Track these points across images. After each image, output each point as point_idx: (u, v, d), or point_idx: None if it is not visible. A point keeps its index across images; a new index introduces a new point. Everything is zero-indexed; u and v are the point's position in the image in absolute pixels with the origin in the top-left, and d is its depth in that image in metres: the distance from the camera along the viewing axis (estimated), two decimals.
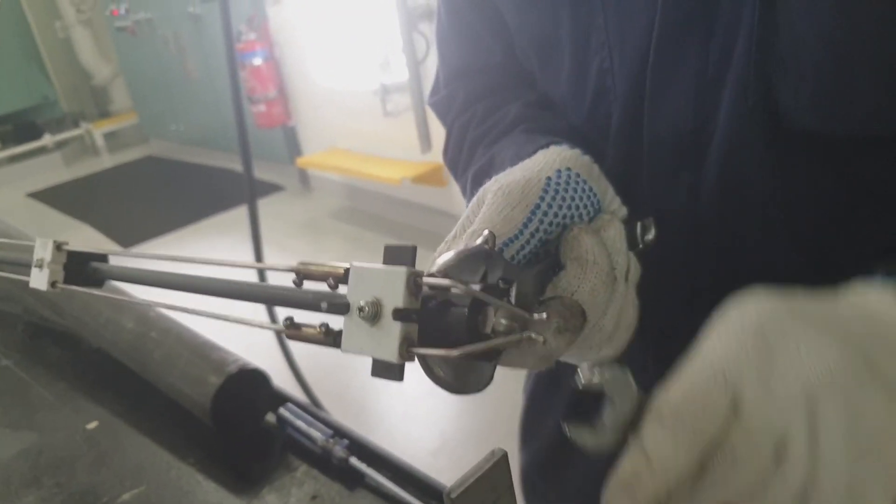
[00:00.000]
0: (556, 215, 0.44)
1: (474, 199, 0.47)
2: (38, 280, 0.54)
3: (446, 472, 0.97)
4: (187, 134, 6.14)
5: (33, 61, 6.86)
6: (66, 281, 0.54)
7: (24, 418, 0.90)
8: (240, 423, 0.81)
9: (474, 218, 0.45)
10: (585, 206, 0.46)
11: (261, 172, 5.00)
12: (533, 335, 0.34)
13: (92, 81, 7.20)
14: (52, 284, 0.53)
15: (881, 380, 0.34)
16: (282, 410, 0.80)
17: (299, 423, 0.78)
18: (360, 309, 0.32)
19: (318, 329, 0.35)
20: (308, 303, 0.37)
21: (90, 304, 0.95)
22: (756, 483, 0.34)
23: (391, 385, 2.83)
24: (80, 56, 6.99)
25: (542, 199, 0.44)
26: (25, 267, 0.56)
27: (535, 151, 0.51)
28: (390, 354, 0.32)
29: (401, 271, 0.32)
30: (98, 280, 0.55)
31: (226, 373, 0.78)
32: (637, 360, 0.44)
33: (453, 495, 0.36)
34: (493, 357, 0.37)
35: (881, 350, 0.35)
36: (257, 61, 4.44)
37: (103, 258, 0.55)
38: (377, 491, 0.71)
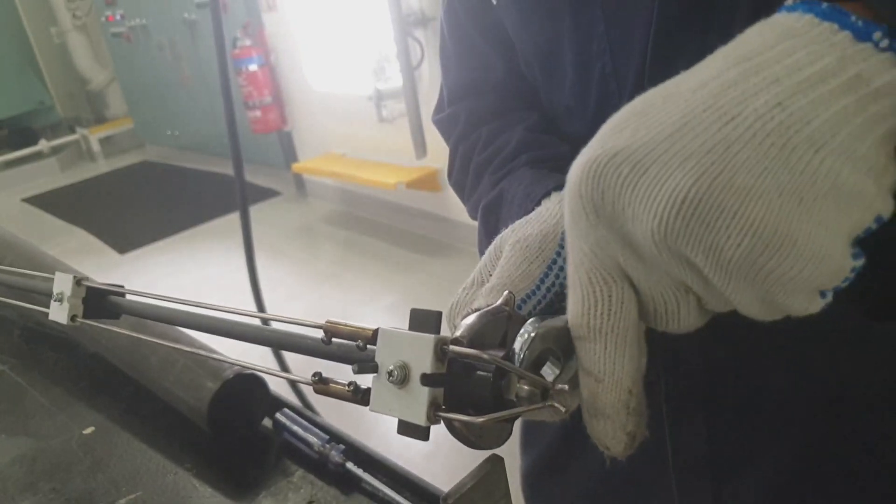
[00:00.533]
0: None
1: (491, 247, 0.48)
2: (58, 314, 0.56)
3: (442, 476, 0.97)
4: (183, 139, 6.14)
5: (29, 67, 6.86)
6: (86, 315, 0.55)
7: (19, 424, 0.90)
8: (236, 428, 0.82)
9: (492, 267, 0.46)
10: None
11: (256, 178, 5.01)
12: (555, 404, 0.35)
13: (88, 87, 7.20)
14: (72, 318, 0.55)
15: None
16: (278, 416, 0.81)
17: (295, 429, 0.78)
18: (390, 373, 0.34)
19: (347, 387, 0.37)
20: (337, 357, 0.39)
21: None
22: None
23: None
24: (76, 62, 6.99)
25: (559, 254, 0.45)
26: (44, 296, 0.57)
27: (545, 193, 0.52)
28: (419, 418, 0.34)
29: (429, 339, 0.34)
30: (116, 314, 0.56)
31: (222, 378, 0.79)
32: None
33: (450, 501, 0.36)
34: (514, 419, 0.38)
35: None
36: (253, 67, 4.45)
37: (121, 293, 0.56)
38: (373, 496, 0.71)
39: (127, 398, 0.92)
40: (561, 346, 0.38)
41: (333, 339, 0.39)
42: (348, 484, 0.73)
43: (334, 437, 0.77)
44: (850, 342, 0.42)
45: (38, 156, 6.76)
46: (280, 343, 0.45)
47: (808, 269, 0.32)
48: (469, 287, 0.47)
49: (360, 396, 0.36)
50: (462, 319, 0.38)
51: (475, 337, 0.36)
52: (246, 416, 0.82)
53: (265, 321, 0.56)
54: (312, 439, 0.76)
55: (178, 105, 5.90)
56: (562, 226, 0.46)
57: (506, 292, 0.40)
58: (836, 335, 0.42)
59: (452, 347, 0.34)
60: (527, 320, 0.40)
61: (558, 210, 0.47)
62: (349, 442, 0.76)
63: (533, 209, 0.52)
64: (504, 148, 0.66)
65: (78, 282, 0.55)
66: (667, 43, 0.51)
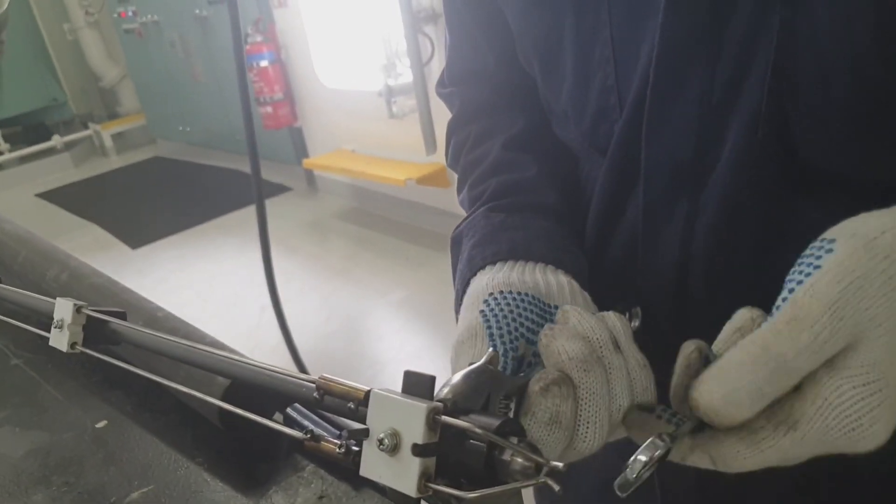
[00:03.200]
0: (510, 334, 0.46)
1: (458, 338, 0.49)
2: (58, 341, 0.55)
3: None
4: (194, 135, 6.16)
5: (43, 63, 6.89)
6: (86, 343, 0.55)
7: (33, 417, 0.90)
8: (247, 423, 0.82)
9: (463, 351, 0.47)
10: (526, 312, 0.47)
11: (267, 173, 5.02)
12: (549, 482, 0.34)
13: (100, 83, 7.23)
14: (72, 346, 0.55)
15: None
16: (289, 410, 0.81)
17: (307, 423, 0.79)
18: (380, 441, 0.34)
19: (338, 449, 0.37)
20: (328, 411, 0.40)
21: (98, 304, 0.96)
22: None
23: (398, 383, 2.81)
24: (89, 58, 7.03)
25: (489, 327, 0.46)
26: (45, 316, 0.57)
27: (481, 266, 0.54)
28: (409, 489, 0.33)
29: (420, 408, 0.33)
30: (116, 341, 0.56)
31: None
32: None
33: (468, 496, 0.36)
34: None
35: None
36: (264, 63, 4.46)
37: (121, 322, 0.56)
38: (384, 491, 0.71)
39: (139, 393, 0.92)
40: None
41: (326, 396, 0.39)
42: (359, 479, 0.73)
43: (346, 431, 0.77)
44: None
45: (51, 151, 6.80)
46: (275, 388, 0.46)
47: None
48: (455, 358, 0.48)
49: (351, 458, 0.36)
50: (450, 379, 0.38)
51: (459, 398, 0.36)
52: (258, 411, 0.82)
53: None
54: (323, 435, 0.76)
55: (189, 101, 5.92)
56: (477, 306, 0.48)
57: (490, 350, 0.40)
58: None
59: (444, 419, 0.33)
60: (509, 380, 0.41)
61: (472, 297, 0.50)
62: (357, 453, 0.76)
63: (471, 276, 0.54)
64: (482, 161, 0.67)
65: (78, 309, 0.55)
66: (670, 67, 0.48)
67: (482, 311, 0.47)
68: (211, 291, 3.81)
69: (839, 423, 0.35)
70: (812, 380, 0.36)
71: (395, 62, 3.62)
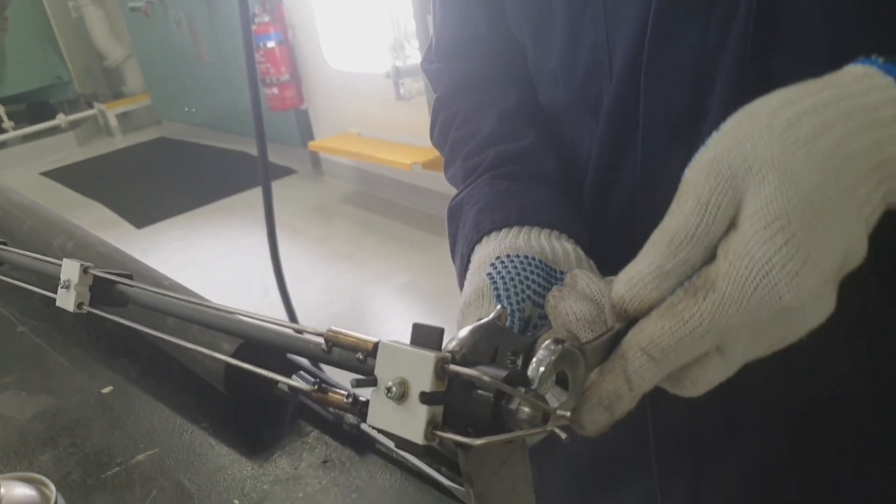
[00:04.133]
0: (518, 296, 0.47)
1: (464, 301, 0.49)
2: (65, 300, 0.55)
3: None
4: (199, 116, 6.15)
5: (47, 41, 6.88)
6: (92, 303, 0.55)
7: (40, 382, 0.91)
8: (252, 389, 0.82)
9: (470, 313, 0.48)
10: (533, 277, 0.48)
11: (273, 155, 4.98)
12: (557, 430, 0.34)
13: (105, 62, 7.22)
14: (79, 306, 0.55)
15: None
16: (294, 377, 0.81)
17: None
18: (388, 389, 0.34)
19: (346, 399, 0.37)
20: (336, 365, 0.40)
21: None
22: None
23: None
24: (94, 37, 7.01)
25: (496, 288, 0.47)
26: (51, 278, 0.57)
27: (487, 231, 0.54)
28: (416, 436, 0.33)
29: (429, 357, 0.33)
30: (122, 302, 0.56)
31: (238, 342, 0.79)
32: None
33: (469, 450, 0.36)
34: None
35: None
36: (271, 44, 4.44)
37: (128, 283, 0.56)
38: (387, 456, 0.72)
39: (144, 359, 0.93)
40: (570, 369, 0.37)
41: (334, 348, 0.39)
42: (363, 445, 0.73)
43: (348, 395, 0.78)
44: (832, 342, 0.41)
45: (55, 130, 6.80)
46: (282, 345, 0.46)
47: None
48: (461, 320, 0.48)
49: (359, 408, 0.36)
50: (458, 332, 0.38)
51: (469, 352, 0.36)
52: (262, 378, 0.83)
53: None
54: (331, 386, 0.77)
55: (195, 82, 5.91)
56: (485, 269, 0.49)
57: (498, 307, 0.41)
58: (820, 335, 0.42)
59: (452, 367, 0.33)
60: (516, 336, 0.41)
61: (479, 261, 0.51)
62: (365, 403, 0.77)
63: (476, 245, 0.55)
64: (477, 133, 0.67)
65: (85, 270, 0.55)
66: (668, 20, 0.50)
67: (489, 274, 0.48)
68: (215, 272, 3.82)
69: (753, 271, 0.34)
70: (721, 245, 0.36)
71: (404, 43, 3.61)
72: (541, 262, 0.49)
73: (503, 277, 0.48)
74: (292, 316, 2.36)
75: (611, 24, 0.54)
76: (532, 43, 0.63)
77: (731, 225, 0.36)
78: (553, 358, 0.36)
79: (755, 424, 0.59)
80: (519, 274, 0.48)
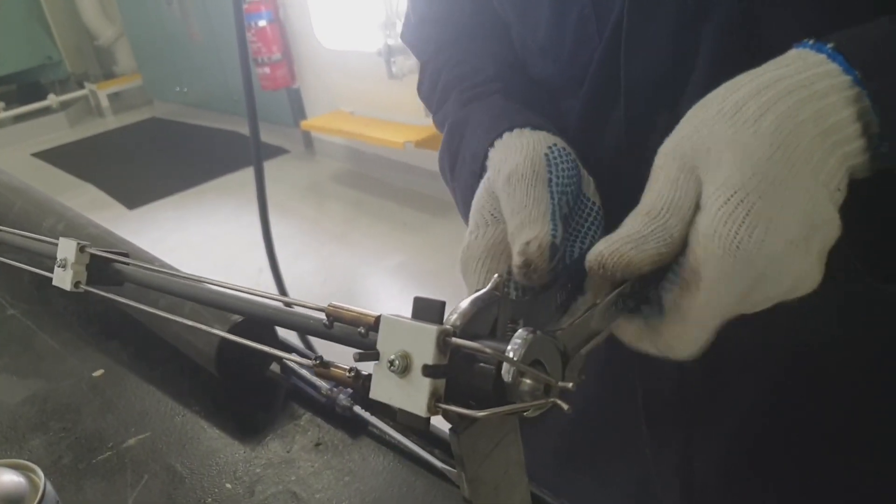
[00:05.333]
0: (565, 186, 0.47)
1: (482, 191, 0.49)
2: (62, 279, 0.55)
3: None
4: (191, 96, 6.11)
5: (37, 21, 6.80)
6: (89, 282, 0.55)
7: (31, 365, 0.91)
8: (244, 372, 0.82)
9: (492, 208, 0.47)
10: (575, 178, 0.48)
11: (265, 135, 4.95)
12: (558, 402, 0.35)
13: (96, 42, 7.15)
14: (76, 285, 0.55)
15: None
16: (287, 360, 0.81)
17: (304, 372, 0.79)
18: (391, 362, 0.34)
19: (348, 373, 0.37)
20: (338, 340, 0.40)
21: None
22: None
23: None
24: (84, 16, 6.93)
25: (551, 172, 0.46)
26: (44, 258, 0.57)
27: (509, 127, 0.52)
28: (419, 409, 0.33)
29: (431, 330, 0.33)
30: (119, 281, 0.56)
31: (231, 322, 0.79)
32: None
33: (459, 431, 0.36)
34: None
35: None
36: (262, 23, 4.40)
37: (125, 261, 0.56)
38: (380, 439, 0.71)
39: (136, 342, 0.92)
40: (547, 359, 0.37)
41: (335, 323, 0.39)
42: (355, 427, 0.73)
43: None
44: (815, 307, 0.43)
45: (46, 111, 6.74)
46: (282, 321, 0.46)
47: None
48: (475, 229, 0.47)
49: (361, 382, 0.36)
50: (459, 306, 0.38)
51: (469, 324, 0.36)
52: (254, 361, 0.83)
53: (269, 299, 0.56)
54: (320, 383, 0.76)
55: (186, 61, 5.86)
56: (541, 149, 0.48)
57: (495, 276, 0.40)
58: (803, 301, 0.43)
59: (455, 340, 0.34)
60: (513, 303, 0.41)
61: (530, 139, 0.49)
62: (367, 378, 0.77)
63: (496, 138, 0.52)
64: (476, 73, 0.65)
65: (81, 248, 0.55)
66: None
67: (546, 155, 0.48)
68: (208, 253, 3.80)
69: (726, 249, 0.37)
70: (692, 231, 0.39)
71: (395, 20, 3.58)
72: (578, 166, 0.49)
73: (558, 164, 0.47)
74: (285, 296, 2.35)
75: None
76: (518, 18, 0.63)
77: (697, 207, 0.39)
78: (522, 351, 0.35)
79: (741, 386, 0.59)
80: (567, 165, 0.48)
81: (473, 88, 0.63)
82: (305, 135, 4.93)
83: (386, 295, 3.24)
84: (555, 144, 0.49)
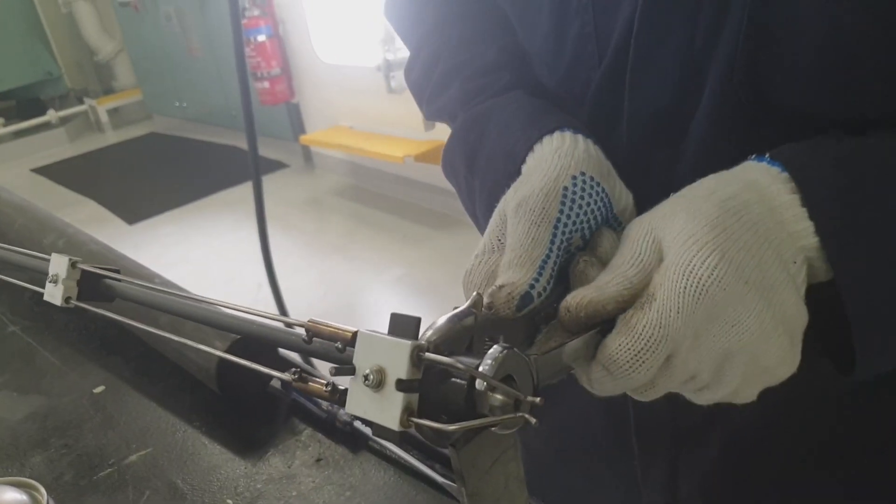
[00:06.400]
0: (574, 224, 0.46)
1: (496, 212, 0.48)
2: (53, 295, 0.55)
3: None
4: (191, 111, 6.12)
5: (37, 37, 6.83)
6: (80, 297, 0.55)
7: (31, 382, 0.91)
8: (245, 387, 0.82)
9: (500, 233, 0.47)
10: (599, 209, 0.47)
11: (264, 149, 4.99)
12: (526, 416, 0.35)
13: (96, 58, 7.17)
14: (67, 300, 0.55)
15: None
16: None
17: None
18: (366, 377, 0.34)
19: (325, 387, 0.38)
20: (317, 355, 0.41)
21: None
22: None
23: None
24: (84, 32, 6.96)
25: (562, 211, 0.45)
26: (40, 274, 0.57)
27: (539, 137, 0.51)
28: (392, 422, 0.34)
29: (405, 345, 0.34)
30: (110, 297, 0.56)
31: (231, 338, 0.79)
32: None
33: (458, 446, 0.37)
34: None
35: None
36: (261, 38, 4.42)
37: (116, 277, 0.56)
38: (380, 453, 0.72)
39: (136, 358, 0.93)
40: (520, 377, 0.37)
41: (315, 339, 0.40)
42: (356, 442, 0.73)
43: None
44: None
45: (46, 126, 6.75)
46: (265, 337, 0.46)
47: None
48: (481, 254, 0.47)
49: (338, 397, 0.37)
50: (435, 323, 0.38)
51: (443, 342, 0.37)
52: (255, 376, 0.83)
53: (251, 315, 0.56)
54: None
55: (186, 76, 5.88)
56: (562, 180, 0.46)
57: (474, 293, 0.41)
58: None
59: (428, 355, 0.34)
60: (493, 320, 0.41)
61: (557, 163, 0.48)
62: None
63: (536, 142, 0.51)
64: (477, 59, 0.63)
65: (73, 264, 0.55)
66: (655, 15, 0.49)
67: (566, 188, 0.46)
68: (208, 267, 3.81)
69: (679, 274, 0.39)
70: (655, 272, 0.41)
71: (394, 36, 3.60)
72: (607, 196, 0.48)
73: (575, 200, 0.46)
74: (283, 311, 2.35)
75: (599, 13, 0.52)
76: (516, 19, 0.61)
77: (659, 261, 0.42)
78: (494, 367, 0.36)
79: (729, 409, 0.59)
80: (588, 200, 0.47)
81: (479, 78, 0.62)
82: (305, 149, 4.94)
83: (386, 308, 3.24)
84: (582, 173, 0.47)
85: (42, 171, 6.00)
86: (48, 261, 0.57)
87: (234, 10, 1.90)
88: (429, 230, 3.75)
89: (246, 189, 4.31)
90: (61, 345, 0.98)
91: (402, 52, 3.56)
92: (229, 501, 0.68)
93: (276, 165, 5.07)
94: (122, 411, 0.83)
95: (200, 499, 0.69)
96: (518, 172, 0.51)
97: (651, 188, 0.52)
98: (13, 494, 0.55)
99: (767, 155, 0.44)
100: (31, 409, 0.85)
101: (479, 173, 0.58)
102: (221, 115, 5.59)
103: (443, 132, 3.60)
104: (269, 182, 4.70)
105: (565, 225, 0.45)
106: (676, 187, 0.51)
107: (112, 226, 4.55)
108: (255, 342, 0.81)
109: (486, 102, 0.60)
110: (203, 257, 3.94)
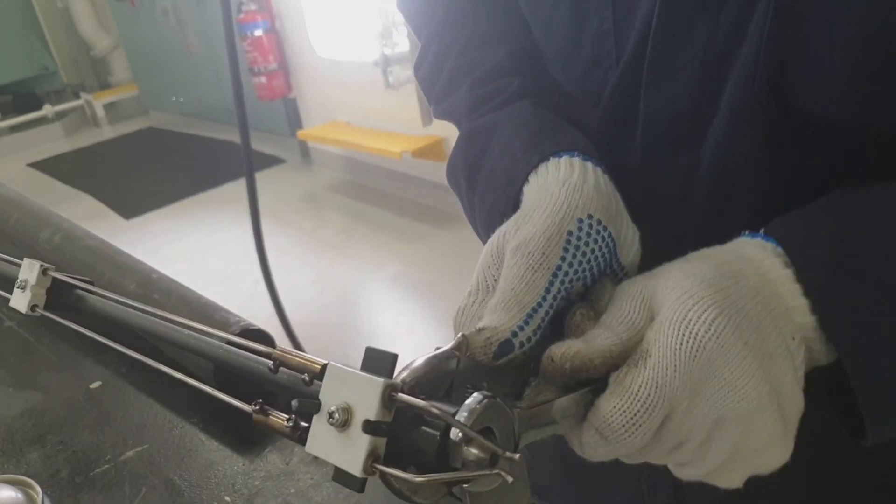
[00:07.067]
0: (575, 273, 0.43)
1: (493, 245, 0.45)
2: (19, 301, 0.53)
3: None
4: (187, 106, 6.11)
5: (33, 32, 6.81)
6: (48, 306, 0.53)
7: (27, 378, 0.90)
8: (242, 384, 0.82)
9: (495, 270, 0.43)
10: (603, 256, 0.44)
11: (261, 145, 4.99)
12: (503, 473, 0.32)
13: (92, 52, 7.15)
14: (32, 308, 0.52)
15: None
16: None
17: None
18: (331, 414, 0.32)
19: (286, 423, 0.35)
20: (281, 387, 0.39)
21: (92, 266, 0.95)
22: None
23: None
24: (80, 27, 6.94)
25: (563, 259, 0.42)
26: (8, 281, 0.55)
27: (539, 161, 0.48)
28: (354, 468, 0.31)
29: (377, 383, 0.31)
30: (79, 309, 0.54)
31: (228, 333, 0.79)
32: None
33: (415, 480, 0.35)
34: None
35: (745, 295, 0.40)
36: (258, 33, 4.41)
37: (88, 289, 0.54)
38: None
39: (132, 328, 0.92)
40: (501, 430, 0.35)
41: (281, 368, 0.38)
42: None
43: None
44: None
45: (42, 121, 6.74)
46: (230, 364, 0.45)
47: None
48: (474, 292, 0.44)
49: (298, 434, 0.35)
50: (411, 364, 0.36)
51: (420, 383, 0.34)
52: (252, 372, 0.82)
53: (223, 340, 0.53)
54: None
55: (182, 71, 5.87)
56: (567, 223, 0.43)
57: (459, 335, 0.38)
58: None
59: (401, 396, 0.31)
60: (476, 366, 0.38)
61: (564, 201, 0.44)
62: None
63: (538, 163, 0.48)
64: (485, 62, 0.61)
65: (45, 270, 0.53)
66: (675, 14, 0.46)
67: (570, 233, 0.43)
68: (205, 263, 3.80)
69: (675, 329, 0.38)
70: (648, 328, 0.40)
71: (392, 30, 3.59)
72: (613, 241, 0.45)
73: (579, 247, 0.43)
74: (279, 307, 2.35)
75: (618, 10, 0.50)
76: (533, 21, 0.58)
77: (650, 319, 0.40)
78: (473, 417, 0.33)
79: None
80: (592, 247, 0.43)
81: (486, 84, 0.59)
82: (302, 145, 4.93)
83: (383, 304, 3.24)
84: (590, 216, 0.44)
85: (38, 165, 5.98)
86: (19, 264, 0.55)
87: (225, 8, 1.90)
88: (426, 226, 3.75)
89: (243, 184, 4.27)
90: (58, 340, 0.98)
91: (400, 48, 3.56)
92: (227, 498, 0.68)
93: (272, 161, 5.05)
94: (118, 407, 0.83)
95: (198, 495, 0.68)
96: (517, 198, 0.49)
97: (668, 197, 0.50)
98: (9, 493, 0.54)
99: (762, 231, 0.43)
100: (27, 405, 0.85)
101: (479, 191, 0.55)
102: (218, 111, 5.58)
103: (441, 128, 3.59)
104: (266, 178, 4.69)
105: (565, 273, 0.42)
106: (695, 197, 0.49)
107: (108, 221, 4.54)
108: (252, 338, 0.80)
109: (490, 114, 0.57)
110: (200, 253, 3.93)
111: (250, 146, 2.09)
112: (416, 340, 2.75)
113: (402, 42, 3.50)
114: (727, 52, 0.45)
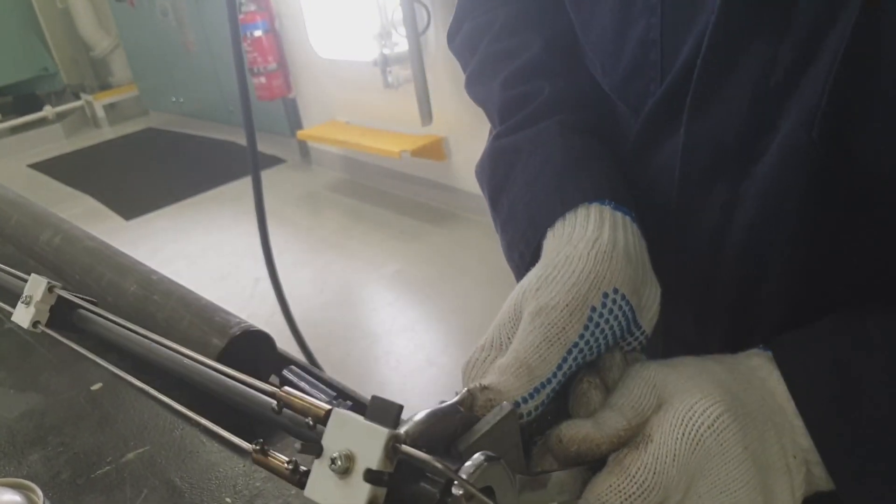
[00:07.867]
0: (590, 348, 0.42)
1: (511, 303, 0.44)
2: (22, 316, 0.53)
3: None
4: (187, 106, 6.11)
5: (33, 32, 6.81)
6: (50, 323, 0.53)
7: (28, 379, 0.90)
8: (242, 384, 0.82)
9: (510, 329, 0.43)
10: (620, 327, 0.43)
11: (261, 145, 4.94)
12: None
13: (92, 53, 7.15)
14: (35, 325, 0.52)
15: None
16: (285, 372, 0.81)
17: (303, 385, 0.78)
18: (333, 460, 0.32)
19: (287, 465, 0.36)
20: (284, 427, 0.38)
21: (92, 267, 0.95)
22: None
23: (391, 355, 2.86)
24: (80, 27, 6.94)
25: (581, 336, 0.41)
26: (13, 295, 0.55)
27: (563, 212, 0.47)
28: None
29: (382, 433, 0.32)
30: (80, 329, 0.54)
31: (229, 335, 0.79)
32: None
33: (461, 447, 0.36)
34: None
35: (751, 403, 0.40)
36: (258, 33, 4.40)
37: (92, 309, 0.54)
38: None
39: (134, 356, 0.92)
40: (501, 492, 0.35)
41: (285, 409, 0.38)
42: None
43: (341, 393, 0.77)
44: None
45: (42, 122, 6.74)
46: (233, 399, 0.45)
47: None
48: (487, 348, 0.43)
49: (298, 478, 0.35)
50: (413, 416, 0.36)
51: (421, 438, 0.34)
52: (253, 373, 0.82)
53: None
54: (320, 396, 0.76)
55: (182, 72, 5.87)
56: (591, 298, 0.42)
57: (464, 390, 0.38)
58: None
59: (404, 447, 0.32)
60: (478, 422, 0.38)
61: (591, 269, 0.42)
62: (356, 399, 0.76)
63: (559, 217, 0.47)
64: (519, 54, 0.58)
65: (50, 288, 0.53)
66: (728, 38, 0.42)
67: (591, 314, 0.42)
68: (205, 263, 3.80)
69: (678, 419, 0.38)
70: (654, 415, 0.40)
71: (391, 30, 3.59)
72: (633, 312, 0.43)
73: (599, 324, 0.42)
74: (284, 306, 2.35)
75: (668, 18, 0.45)
76: (573, 10, 0.54)
77: (658, 405, 0.40)
78: (476, 474, 0.33)
79: None
80: (612, 323, 0.42)
81: (518, 84, 0.57)
82: (302, 144, 4.93)
83: (382, 302, 3.24)
84: (615, 290, 0.42)
85: (38, 166, 5.99)
86: (27, 280, 0.55)
87: (231, 10, 1.90)
88: (426, 225, 3.75)
89: (243, 184, 4.30)
90: (58, 341, 0.98)
91: (399, 48, 3.56)
92: (228, 500, 0.68)
93: (272, 161, 5.06)
94: (119, 409, 0.83)
95: (199, 497, 0.68)
96: (538, 243, 0.48)
97: (706, 227, 0.48)
98: (10, 496, 0.54)
99: (768, 347, 0.43)
100: (28, 406, 0.85)
101: (501, 217, 0.54)
102: (218, 111, 5.58)
103: (440, 127, 3.59)
104: (266, 177, 4.66)
105: (581, 350, 0.41)
106: (734, 235, 0.46)
107: (109, 221, 4.54)
108: (253, 339, 0.80)
109: (515, 134, 0.55)
110: (199, 253, 3.93)
111: (256, 146, 2.09)
112: (415, 339, 2.75)
113: (401, 42, 3.50)
114: (783, 89, 0.41)
